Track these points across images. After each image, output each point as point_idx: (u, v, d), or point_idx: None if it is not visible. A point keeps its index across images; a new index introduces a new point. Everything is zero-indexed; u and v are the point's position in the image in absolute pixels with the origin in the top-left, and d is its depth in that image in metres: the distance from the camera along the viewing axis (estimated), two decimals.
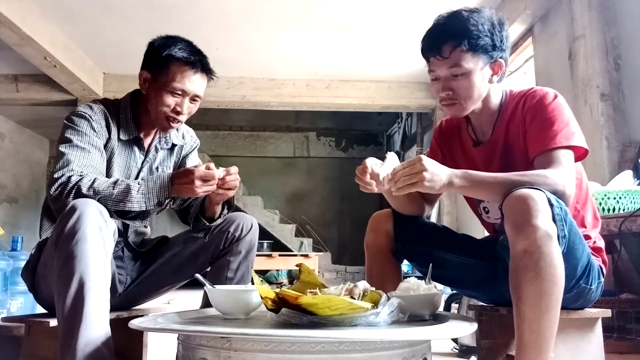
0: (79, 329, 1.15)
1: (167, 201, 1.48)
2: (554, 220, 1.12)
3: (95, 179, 1.37)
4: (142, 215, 1.62)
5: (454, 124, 1.55)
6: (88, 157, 1.43)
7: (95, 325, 1.17)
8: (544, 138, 1.28)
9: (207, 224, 1.59)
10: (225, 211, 1.64)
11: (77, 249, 1.19)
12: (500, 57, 1.35)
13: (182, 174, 1.42)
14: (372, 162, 1.27)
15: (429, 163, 1.19)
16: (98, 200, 1.33)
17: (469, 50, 1.29)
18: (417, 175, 1.18)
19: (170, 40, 1.53)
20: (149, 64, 1.55)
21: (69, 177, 1.36)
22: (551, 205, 1.12)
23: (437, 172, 1.20)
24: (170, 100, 1.51)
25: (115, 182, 1.39)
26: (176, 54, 1.50)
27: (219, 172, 1.43)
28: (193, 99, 1.55)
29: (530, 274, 1.08)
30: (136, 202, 1.39)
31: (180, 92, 1.51)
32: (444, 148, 1.57)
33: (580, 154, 1.31)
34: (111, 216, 1.34)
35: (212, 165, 1.44)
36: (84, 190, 1.34)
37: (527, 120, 1.35)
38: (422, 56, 1.40)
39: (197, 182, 1.39)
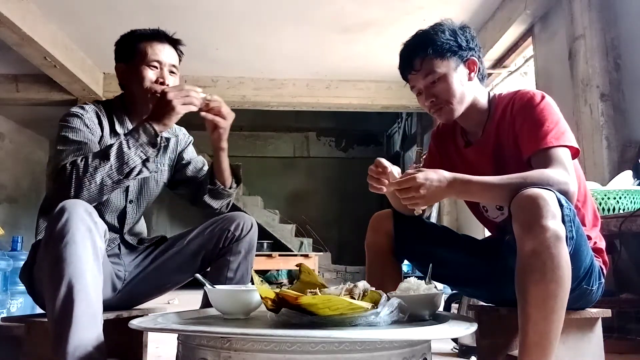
0: (69, 332, 1.14)
1: (160, 140, 1.46)
2: (563, 221, 1.11)
3: (85, 158, 1.37)
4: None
5: (449, 125, 1.58)
6: (85, 149, 1.44)
7: (86, 328, 1.16)
8: (536, 138, 1.29)
9: (222, 186, 1.65)
10: (235, 185, 1.69)
11: (66, 251, 1.19)
12: (471, 55, 1.41)
13: (155, 102, 1.46)
14: (386, 163, 1.32)
15: (424, 182, 1.22)
16: (107, 177, 1.36)
17: (436, 56, 1.38)
18: (416, 198, 1.23)
19: (131, 31, 1.64)
20: (120, 56, 1.64)
21: (64, 165, 1.37)
22: (561, 205, 1.12)
23: (434, 193, 1.22)
24: (151, 74, 1.57)
25: (103, 153, 1.39)
26: (140, 33, 1.61)
27: (198, 93, 1.47)
28: (171, 71, 1.61)
29: (536, 274, 1.08)
30: (135, 156, 1.41)
31: (156, 64, 1.58)
32: (440, 149, 1.60)
33: (572, 153, 1.31)
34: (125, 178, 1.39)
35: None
36: (81, 174, 1.35)
37: (517, 121, 1.36)
38: (403, 79, 1.49)
39: (171, 95, 1.42)
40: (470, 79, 1.42)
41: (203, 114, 1.53)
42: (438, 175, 1.23)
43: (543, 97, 1.36)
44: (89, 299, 1.19)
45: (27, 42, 4.14)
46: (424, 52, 1.38)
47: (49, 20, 4.34)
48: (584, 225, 1.34)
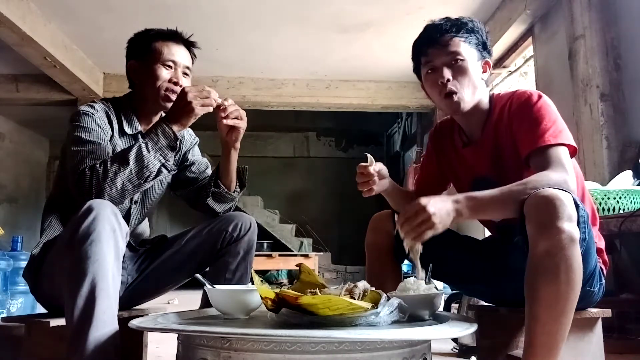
0: (89, 329, 1.15)
1: (178, 142, 1.45)
2: (578, 223, 1.10)
3: (103, 163, 1.36)
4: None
5: (448, 125, 1.57)
6: (100, 149, 1.43)
7: (106, 326, 1.17)
8: (533, 137, 1.28)
9: (226, 190, 1.63)
10: (238, 189, 1.68)
11: (91, 249, 1.19)
12: (488, 58, 1.43)
13: (174, 102, 1.46)
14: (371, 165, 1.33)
15: (432, 207, 1.13)
16: (127, 182, 1.36)
17: (466, 40, 1.38)
18: (427, 223, 1.14)
19: (147, 29, 1.63)
20: (134, 53, 1.62)
21: (84, 170, 1.36)
22: (577, 206, 1.11)
23: (442, 213, 1.14)
24: (165, 73, 1.57)
25: (121, 157, 1.37)
26: (156, 32, 1.61)
27: (216, 94, 1.47)
28: (184, 72, 1.61)
29: (549, 275, 1.07)
30: (155, 159, 1.40)
31: (171, 64, 1.58)
32: (437, 149, 1.60)
33: (570, 152, 1.30)
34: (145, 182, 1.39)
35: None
36: (101, 180, 1.34)
37: (514, 121, 1.36)
38: (415, 55, 1.45)
39: (191, 95, 1.42)
40: (482, 78, 1.42)
41: (225, 120, 1.53)
42: (441, 199, 1.17)
43: (540, 97, 1.35)
44: (110, 298, 1.20)
45: (27, 42, 4.13)
46: (456, 32, 1.38)
47: (49, 20, 4.34)
48: None
